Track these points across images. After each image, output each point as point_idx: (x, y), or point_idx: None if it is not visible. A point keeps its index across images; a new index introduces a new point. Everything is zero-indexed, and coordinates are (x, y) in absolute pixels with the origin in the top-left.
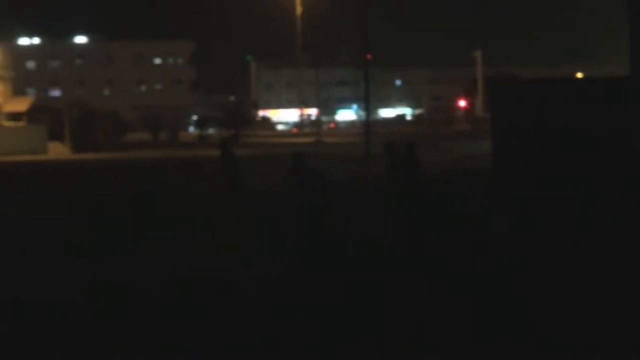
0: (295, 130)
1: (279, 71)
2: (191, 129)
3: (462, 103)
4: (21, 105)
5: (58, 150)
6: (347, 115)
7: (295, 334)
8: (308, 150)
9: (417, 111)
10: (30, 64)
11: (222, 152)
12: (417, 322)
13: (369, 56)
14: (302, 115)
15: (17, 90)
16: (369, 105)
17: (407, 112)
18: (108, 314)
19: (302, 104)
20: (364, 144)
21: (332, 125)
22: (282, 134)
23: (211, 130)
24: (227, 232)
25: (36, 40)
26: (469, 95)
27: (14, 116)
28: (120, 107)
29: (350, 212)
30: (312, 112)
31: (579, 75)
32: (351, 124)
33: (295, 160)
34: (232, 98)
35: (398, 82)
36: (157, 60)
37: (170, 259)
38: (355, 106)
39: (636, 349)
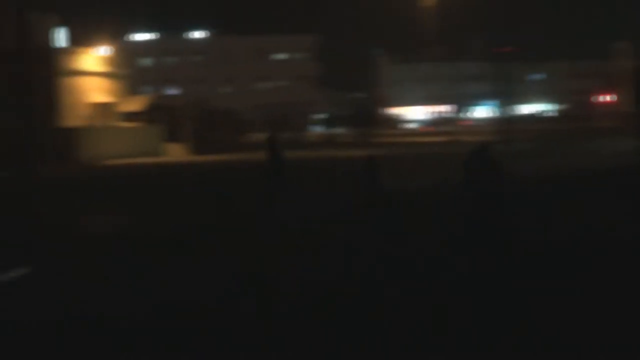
0: (428, 128)
1: (411, 66)
2: (317, 128)
3: (605, 98)
4: (137, 104)
5: (176, 152)
6: (483, 112)
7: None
8: (437, 151)
9: (557, 107)
10: (146, 61)
11: (270, 152)
12: None
13: (506, 49)
14: (435, 112)
15: (133, 89)
16: (505, 101)
17: (546, 108)
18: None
19: (436, 100)
20: (501, 142)
21: (466, 122)
22: (414, 132)
23: (338, 130)
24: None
25: (152, 36)
26: (612, 89)
27: (130, 116)
28: (241, 106)
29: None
30: (446, 109)
31: None
32: (487, 121)
33: (367, 163)
34: (361, 95)
35: (537, 77)
36: (280, 56)
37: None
38: (491, 102)
39: None
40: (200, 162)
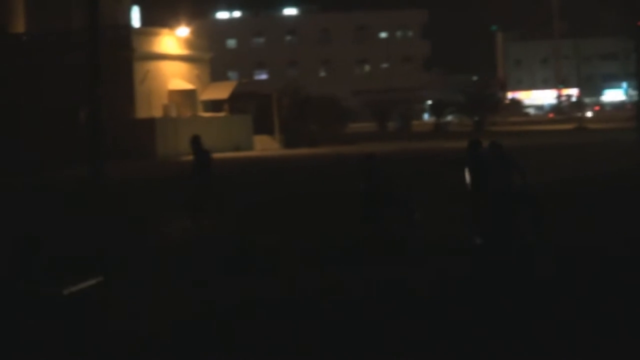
0: (551, 115)
1: (531, 44)
2: (426, 116)
3: None
4: (222, 92)
5: (266, 145)
6: (614, 95)
7: None
8: (561, 141)
9: None
10: (232, 43)
11: (193, 150)
12: None
13: None
14: (559, 96)
15: (217, 74)
16: None
17: None
18: None
19: (560, 83)
20: (636, 130)
21: (597, 108)
22: (537, 119)
23: (450, 118)
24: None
25: (238, 14)
26: None
27: (214, 105)
28: (340, 92)
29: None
30: (572, 92)
31: None
32: (620, 106)
33: (364, 161)
34: (475, 78)
35: None
36: (383, 34)
37: None
38: (625, 84)
39: None
40: (294, 156)
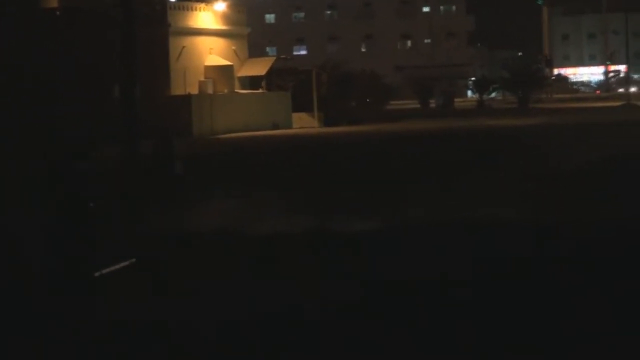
0: (598, 92)
1: (579, 18)
2: (469, 93)
3: None
4: (260, 68)
5: (305, 123)
6: None
7: None
8: (607, 118)
9: None
10: (270, 17)
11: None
12: None
13: None
14: (608, 73)
15: (255, 50)
16: None
17: None
18: None
19: (608, 59)
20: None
21: None
22: (584, 96)
23: (493, 95)
24: None
25: None
26: None
27: (251, 82)
28: (381, 68)
29: None
30: (621, 68)
31: None
32: None
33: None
34: (520, 54)
35: None
36: (426, 9)
37: None
38: None
39: None
40: (335, 134)
